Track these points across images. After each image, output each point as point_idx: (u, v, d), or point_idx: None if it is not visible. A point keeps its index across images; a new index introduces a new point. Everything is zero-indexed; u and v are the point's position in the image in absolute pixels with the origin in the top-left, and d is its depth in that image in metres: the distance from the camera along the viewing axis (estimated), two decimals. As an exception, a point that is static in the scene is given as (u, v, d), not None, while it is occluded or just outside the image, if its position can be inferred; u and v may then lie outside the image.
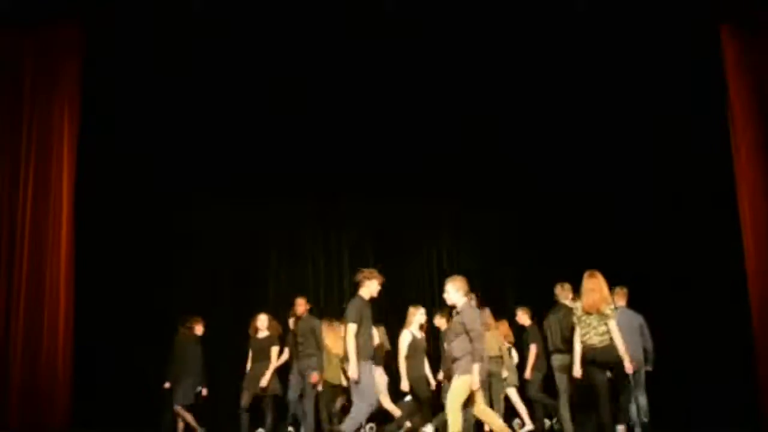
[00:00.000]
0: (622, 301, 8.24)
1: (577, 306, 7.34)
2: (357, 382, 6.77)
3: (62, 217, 8.76)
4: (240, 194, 10.68)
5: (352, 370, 6.71)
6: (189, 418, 9.00)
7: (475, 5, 9.22)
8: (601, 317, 7.10)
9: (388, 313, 10.58)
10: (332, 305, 10.88)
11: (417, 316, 8.49)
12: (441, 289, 10.90)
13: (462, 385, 6.37)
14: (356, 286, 7.20)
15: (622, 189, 10.11)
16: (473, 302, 8.53)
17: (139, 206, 10.01)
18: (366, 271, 7.22)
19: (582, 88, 10.06)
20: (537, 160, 10.70)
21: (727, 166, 8.97)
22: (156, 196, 10.18)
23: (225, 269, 10.69)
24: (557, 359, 8.05)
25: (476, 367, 6.28)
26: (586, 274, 7.34)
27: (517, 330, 9.63)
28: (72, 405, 8.62)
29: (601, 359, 7.01)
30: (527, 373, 9.15)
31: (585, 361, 7.10)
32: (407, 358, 8.30)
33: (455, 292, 6.66)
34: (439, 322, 9.22)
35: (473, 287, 11.00)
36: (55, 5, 8.82)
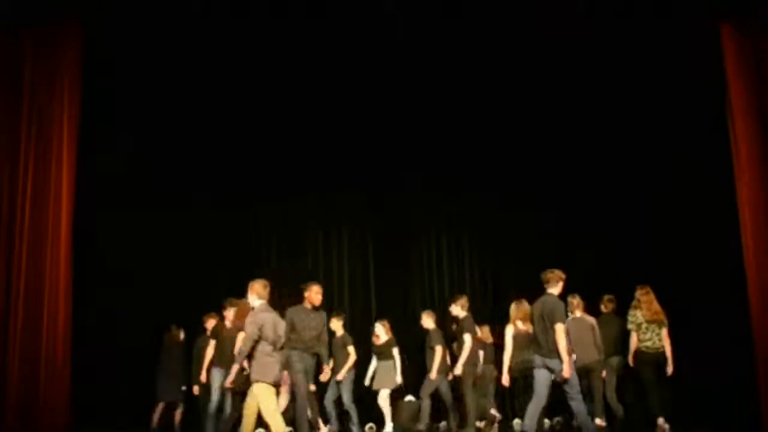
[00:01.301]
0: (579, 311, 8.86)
1: (637, 314, 8.47)
2: (566, 380, 7.07)
3: (62, 217, 8.73)
4: (240, 194, 10.69)
5: (566, 370, 7.03)
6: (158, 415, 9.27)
7: (476, 6, 9.21)
8: (660, 324, 8.37)
9: (388, 311, 10.63)
10: (331, 304, 10.90)
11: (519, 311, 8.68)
12: (441, 287, 11.13)
13: (260, 392, 6.43)
14: (544, 285, 7.40)
15: (621, 189, 10.13)
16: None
17: (139, 206, 10.01)
18: (557, 272, 7.42)
19: (582, 88, 10.08)
20: (537, 161, 10.73)
21: (727, 167, 8.97)
22: (156, 196, 10.19)
23: (225, 269, 10.70)
24: (614, 360, 8.75)
25: (235, 367, 6.47)
26: (641, 289, 8.52)
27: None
28: (71, 406, 8.60)
29: (654, 359, 8.34)
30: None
31: (640, 361, 8.46)
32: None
33: (251, 295, 6.84)
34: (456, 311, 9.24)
35: (474, 287, 11.21)
36: (55, 5, 8.79)
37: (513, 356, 8.45)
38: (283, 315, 7.74)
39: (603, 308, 8.95)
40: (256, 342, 6.50)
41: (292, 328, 7.65)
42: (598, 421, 8.17)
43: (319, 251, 11.21)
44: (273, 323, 6.63)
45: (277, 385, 6.60)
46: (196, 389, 8.88)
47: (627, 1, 9.07)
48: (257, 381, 6.48)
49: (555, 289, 7.36)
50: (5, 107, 8.74)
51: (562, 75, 10.03)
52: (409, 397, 9.78)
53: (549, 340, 7.11)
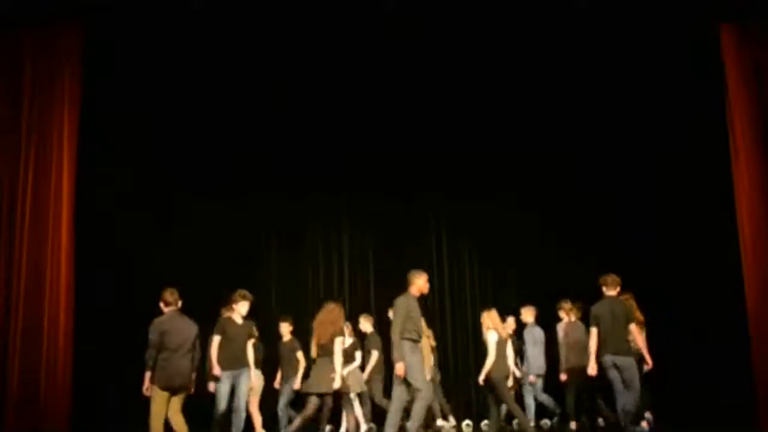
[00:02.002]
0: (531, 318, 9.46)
1: None
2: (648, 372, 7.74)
3: (62, 217, 8.76)
4: (240, 193, 10.69)
5: (650, 363, 7.74)
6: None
7: (475, 5, 9.22)
8: (642, 327, 8.33)
9: (387, 311, 10.62)
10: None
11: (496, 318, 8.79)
12: (441, 288, 11.13)
13: (153, 394, 6.75)
14: (602, 287, 7.74)
15: (621, 191, 10.13)
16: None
17: (139, 206, 10.01)
18: (615, 276, 7.71)
19: (580, 88, 10.07)
20: (536, 160, 10.71)
21: (726, 169, 8.98)
22: (156, 196, 10.18)
23: (225, 269, 10.70)
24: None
25: (147, 375, 6.72)
26: (625, 295, 8.23)
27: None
28: (71, 408, 8.61)
29: (638, 359, 8.10)
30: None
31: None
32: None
33: (161, 302, 7.11)
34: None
35: (474, 287, 11.22)
36: (56, 5, 8.81)
37: (496, 362, 8.42)
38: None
39: (571, 317, 9.07)
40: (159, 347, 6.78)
41: (408, 317, 7.23)
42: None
43: (319, 251, 11.20)
44: (177, 329, 6.85)
45: (171, 389, 6.76)
46: (211, 386, 7.96)
47: (627, 0, 9.08)
48: (153, 384, 6.76)
49: (614, 292, 7.67)
50: (6, 107, 8.77)
51: (561, 76, 10.02)
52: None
53: (620, 339, 7.43)
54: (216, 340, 7.83)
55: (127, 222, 9.84)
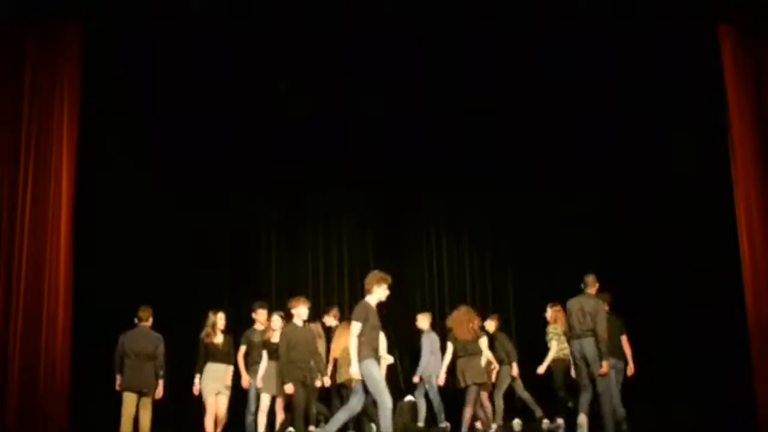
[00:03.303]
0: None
1: (557, 327, 9.36)
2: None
3: (62, 217, 8.75)
4: (240, 193, 10.70)
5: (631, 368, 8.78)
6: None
7: (475, 5, 9.23)
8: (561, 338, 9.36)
9: (387, 311, 10.63)
10: (331, 303, 10.89)
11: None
12: (441, 287, 11.14)
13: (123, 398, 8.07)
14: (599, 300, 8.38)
15: (620, 190, 10.14)
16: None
17: (139, 205, 10.02)
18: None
19: (580, 88, 10.07)
20: (535, 159, 10.72)
21: (725, 168, 8.98)
22: (156, 195, 10.19)
23: (226, 268, 10.71)
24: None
25: (117, 377, 8.07)
26: (554, 307, 9.39)
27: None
28: (71, 408, 8.61)
29: (567, 365, 9.06)
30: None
31: (558, 366, 9.44)
32: None
33: (136, 318, 8.24)
34: None
35: (474, 287, 11.24)
36: (56, 5, 8.82)
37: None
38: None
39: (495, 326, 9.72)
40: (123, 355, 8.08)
41: (583, 316, 8.20)
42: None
43: (319, 251, 11.21)
44: (135, 341, 8.09)
45: (139, 392, 7.99)
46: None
47: (626, 0, 9.08)
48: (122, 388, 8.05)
49: (606, 308, 8.45)
50: (6, 107, 8.77)
51: (561, 75, 10.02)
52: (409, 397, 9.79)
53: (617, 346, 8.60)
54: (357, 327, 6.99)
55: (127, 221, 9.85)
